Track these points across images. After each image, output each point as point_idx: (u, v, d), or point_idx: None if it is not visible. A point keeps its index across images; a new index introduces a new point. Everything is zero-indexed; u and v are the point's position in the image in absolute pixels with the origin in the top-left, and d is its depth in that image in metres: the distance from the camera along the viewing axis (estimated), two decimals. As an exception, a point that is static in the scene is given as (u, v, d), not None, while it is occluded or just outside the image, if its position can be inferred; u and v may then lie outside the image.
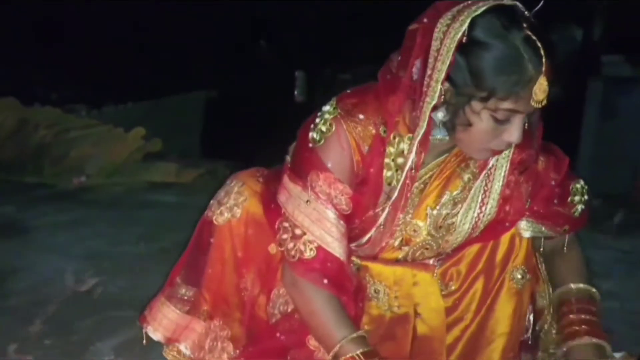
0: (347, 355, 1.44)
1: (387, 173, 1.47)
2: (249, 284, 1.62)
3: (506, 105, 1.32)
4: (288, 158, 1.58)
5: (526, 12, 1.33)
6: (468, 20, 1.29)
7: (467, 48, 1.30)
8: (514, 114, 1.35)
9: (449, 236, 1.56)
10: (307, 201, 1.46)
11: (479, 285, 1.61)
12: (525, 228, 1.59)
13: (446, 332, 1.62)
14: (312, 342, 1.56)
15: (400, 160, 1.46)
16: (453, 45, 1.30)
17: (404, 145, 1.45)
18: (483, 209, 1.54)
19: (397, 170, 1.47)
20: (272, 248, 1.59)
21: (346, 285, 1.51)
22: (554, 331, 1.64)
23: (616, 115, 5.38)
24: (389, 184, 1.48)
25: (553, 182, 1.57)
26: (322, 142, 1.46)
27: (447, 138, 1.46)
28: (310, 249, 1.47)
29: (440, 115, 1.40)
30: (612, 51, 5.57)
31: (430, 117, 1.37)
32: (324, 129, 1.46)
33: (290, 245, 1.48)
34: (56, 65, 6.23)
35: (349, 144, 1.45)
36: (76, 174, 4.36)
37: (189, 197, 3.86)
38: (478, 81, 1.31)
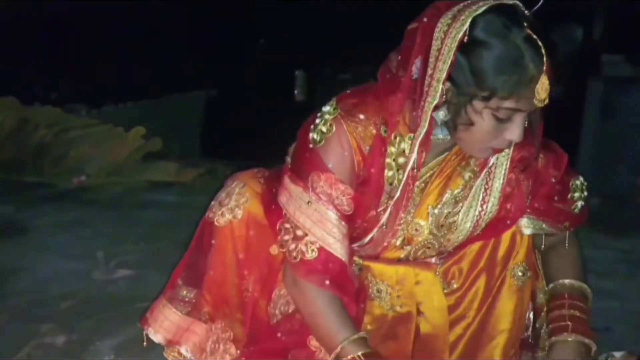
0: (349, 357, 1.44)
1: (388, 173, 1.47)
2: (251, 285, 1.62)
3: (507, 104, 1.32)
4: (288, 159, 1.58)
5: (526, 12, 1.33)
6: (469, 20, 1.29)
7: (468, 47, 1.30)
8: (516, 113, 1.35)
9: (451, 235, 1.56)
10: (308, 202, 1.46)
11: (481, 283, 1.61)
12: (526, 225, 1.59)
13: (449, 330, 1.62)
14: (313, 343, 1.56)
15: (401, 159, 1.46)
16: (454, 45, 1.30)
17: (405, 145, 1.45)
18: (484, 207, 1.54)
19: (398, 170, 1.46)
20: (274, 249, 1.59)
21: (348, 286, 1.51)
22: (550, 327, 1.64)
23: (616, 115, 5.37)
24: (391, 184, 1.48)
25: (553, 179, 1.58)
26: (323, 142, 1.46)
27: (449, 137, 1.46)
28: (312, 250, 1.47)
29: (441, 114, 1.40)
30: (612, 51, 5.57)
31: (431, 117, 1.36)
32: (324, 129, 1.46)
33: (292, 246, 1.48)
34: (56, 65, 6.23)
35: (350, 144, 1.45)
36: (76, 174, 4.36)
37: (189, 197, 3.86)
38: (479, 81, 1.31)
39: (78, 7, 6.06)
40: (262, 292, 1.62)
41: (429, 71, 1.33)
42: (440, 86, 1.32)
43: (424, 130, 1.37)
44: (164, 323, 1.70)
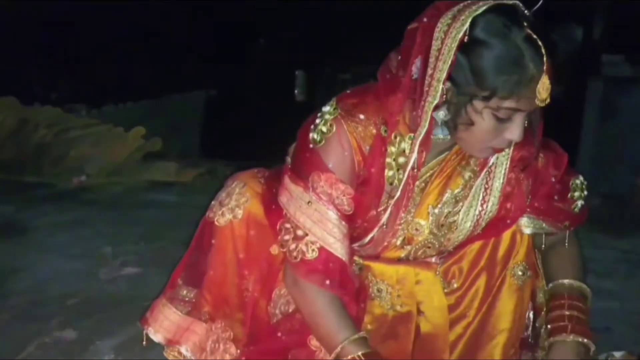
0: (349, 357, 1.44)
1: (388, 172, 1.47)
2: (251, 285, 1.62)
3: (508, 104, 1.32)
4: (288, 159, 1.58)
5: (526, 12, 1.33)
6: (469, 20, 1.29)
7: (468, 47, 1.30)
8: (516, 113, 1.35)
9: (451, 234, 1.56)
10: (309, 202, 1.46)
11: (481, 282, 1.61)
12: (526, 225, 1.60)
13: (449, 330, 1.62)
14: (313, 342, 1.56)
15: (401, 159, 1.46)
16: (454, 45, 1.30)
17: (405, 145, 1.45)
18: (484, 206, 1.54)
19: (398, 170, 1.47)
20: (274, 249, 1.59)
21: (348, 285, 1.51)
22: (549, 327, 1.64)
23: (616, 115, 5.38)
24: (391, 184, 1.48)
25: (553, 179, 1.58)
26: (323, 142, 1.46)
27: (449, 137, 1.46)
28: (313, 250, 1.47)
29: (441, 114, 1.40)
30: (612, 51, 5.57)
31: (431, 117, 1.37)
32: (324, 129, 1.46)
33: (292, 246, 1.48)
34: (56, 65, 6.23)
35: (350, 144, 1.45)
36: (76, 174, 4.36)
37: (188, 197, 3.86)
38: (480, 80, 1.31)
39: (78, 7, 6.06)
40: (262, 291, 1.62)
41: (429, 71, 1.33)
42: (441, 86, 1.32)
43: (424, 130, 1.37)
44: (164, 323, 1.71)
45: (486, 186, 1.54)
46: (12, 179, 4.34)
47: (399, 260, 1.61)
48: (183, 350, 1.69)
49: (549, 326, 1.57)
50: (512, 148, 1.52)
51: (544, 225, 1.60)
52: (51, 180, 4.34)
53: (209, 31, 7.02)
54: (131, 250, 2.99)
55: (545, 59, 1.30)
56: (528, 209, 1.58)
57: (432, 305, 1.62)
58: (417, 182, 1.49)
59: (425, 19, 1.36)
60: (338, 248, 1.47)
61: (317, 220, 1.46)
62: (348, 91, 1.52)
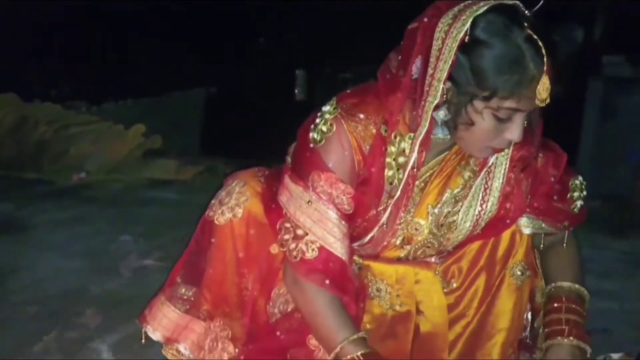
0: (348, 357, 1.44)
1: (388, 172, 1.47)
2: (250, 284, 1.62)
3: (508, 104, 1.33)
4: (288, 159, 1.58)
5: (527, 12, 1.33)
6: (470, 20, 1.30)
7: (469, 47, 1.30)
8: (516, 113, 1.35)
9: (451, 234, 1.56)
10: (309, 202, 1.46)
11: (480, 282, 1.61)
12: (525, 225, 1.60)
13: (448, 329, 1.63)
14: (312, 342, 1.56)
15: (401, 159, 1.46)
16: (455, 45, 1.30)
17: (405, 145, 1.45)
18: (484, 206, 1.54)
19: (398, 170, 1.47)
20: (274, 248, 1.59)
21: (348, 285, 1.51)
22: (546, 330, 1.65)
23: (616, 115, 5.38)
24: (391, 183, 1.48)
25: (552, 179, 1.58)
26: (323, 142, 1.46)
27: (449, 137, 1.46)
28: (312, 250, 1.47)
29: (441, 114, 1.40)
30: (612, 51, 5.58)
31: (431, 117, 1.37)
32: (324, 129, 1.46)
33: (292, 245, 1.48)
34: (56, 62, 6.23)
35: (350, 143, 1.45)
36: (76, 171, 4.36)
37: (188, 195, 3.87)
38: (480, 80, 1.31)
39: (78, 6, 6.06)
40: (262, 291, 1.62)
41: (430, 71, 1.33)
42: (441, 86, 1.32)
43: (425, 129, 1.37)
44: (162, 321, 1.71)
45: (486, 186, 1.54)
46: (11, 176, 4.34)
47: (398, 260, 1.61)
48: (181, 348, 1.69)
49: (546, 330, 1.58)
50: (511, 148, 1.52)
51: (543, 225, 1.60)
52: (51, 177, 4.33)
53: (209, 30, 7.01)
54: (130, 248, 2.99)
55: (545, 59, 1.30)
56: (527, 209, 1.58)
57: (431, 304, 1.62)
58: (417, 182, 1.49)
59: (425, 19, 1.36)
60: (338, 247, 1.47)
61: (317, 220, 1.46)
62: (348, 91, 1.52)
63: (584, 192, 1.62)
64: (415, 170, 1.44)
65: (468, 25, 1.29)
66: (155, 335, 1.72)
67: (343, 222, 1.48)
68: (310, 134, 1.47)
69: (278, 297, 1.62)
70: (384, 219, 1.50)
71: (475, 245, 1.61)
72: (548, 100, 1.33)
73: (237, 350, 1.65)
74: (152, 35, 6.58)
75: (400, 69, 1.40)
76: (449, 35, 1.31)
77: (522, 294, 1.63)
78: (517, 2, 1.34)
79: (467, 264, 1.62)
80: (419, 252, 1.60)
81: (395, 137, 1.45)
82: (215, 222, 1.60)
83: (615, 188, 4.26)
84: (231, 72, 7.13)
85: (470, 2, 1.33)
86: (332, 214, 1.46)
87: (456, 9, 1.33)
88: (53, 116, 4.78)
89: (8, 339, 2.15)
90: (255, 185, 1.62)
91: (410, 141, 1.44)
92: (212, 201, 1.64)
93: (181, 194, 4.00)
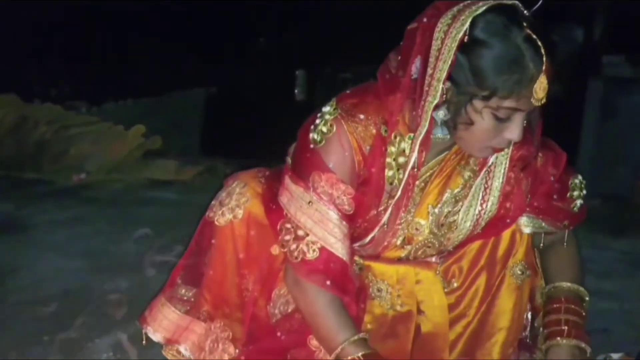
0: (349, 358, 1.45)
1: (388, 172, 1.47)
2: (250, 285, 1.62)
3: (507, 103, 1.33)
4: (289, 159, 1.58)
5: (526, 12, 1.34)
6: (469, 20, 1.30)
7: (468, 47, 1.30)
8: (515, 112, 1.35)
9: (451, 234, 1.56)
10: (309, 202, 1.46)
11: (481, 281, 1.62)
12: (525, 224, 1.60)
13: (449, 329, 1.63)
14: (312, 342, 1.57)
15: (401, 159, 1.46)
16: (454, 45, 1.30)
17: (405, 145, 1.46)
18: (484, 206, 1.55)
19: (398, 170, 1.47)
20: (275, 249, 1.59)
21: (348, 286, 1.51)
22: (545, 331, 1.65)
23: (616, 115, 5.37)
24: (391, 184, 1.48)
25: (552, 178, 1.59)
26: (323, 142, 1.46)
27: (448, 137, 1.46)
28: (313, 250, 1.47)
29: (441, 114, 1.41)
30: (612, 51, 5.57)
31: (431, 116, 1.37)
32: (324, 129, 1.46)
33: (293, 246, 1.49)
34: (56, 62, 6.22)
35: (350, 144, 1.45)
36: (76, 171, 4.36)
37: (188, 195, 3.86)
38: (480, 80, 1.31)
39: (78, 6, 6.06)
40: (262, 291, 1.62)
41: (429, 71, 1.34)
42: (441, 86, 1.32)
43: (424, 129, 1.38)
44: (163, 322, 1.71)
45: (486, 186, 1.54)
46: (11, 176, 4.34)
47: (399, 260, 1.61)
48: (182, 349, 1.70)
49: (545, 331, 1.58)
50: (511, 147, 1.52)
51: (543, 224, 1.60)
52: (51, 177, 4.33)
53: (209, 30, 7.01)
54: (130, 248, 2.99)
55: (544, 58, 1.30)
56: (527, 208, 1.58)
57: (432, 304, 1.62)
58: (417, 182, 1.49)
59: (425, 19, 1.37)
60: (339, 248, 1.47)
61: (318, 221, 1.46)
62: (348, 91, 1.52)
63: (584, 191, 1.62)
64: (415, 170, 1.44)
65: (467, 25, 1.30)
66: (156, 337, 1.72)
67: (344, 223, 1.48)
68: (311, 135, 1.47)
69: (278, 298, 1.62)
70: (384, 219, 1.51)
71: (476, 244, 1.61)
72: (544, 100, 1.34)
73: (237, 351, 1.65)
74: (152, 35, 6.57)
75: (400, 69, 1.40)
76: (448, 35, 1.31)
77: (522, 293, 1.63)
78: (516, 2, 1.34)
79: (468, 263, 1.62)
80: (419, 252, 1.60)
81: (395, 137, 1.45)
82: (216, 223, 1.61)
83: (615, 188, 4.26)
84: (231, 72, 7.12)
85: (469, 2, 1.33)
86: (333, 215, 1.46)
87: (455, 9, 1.33)
88: (53, 116, 4.78)
89: (8, 339, 2.14)
90: (256, 186, 1.62)
91: (410, 141, 1.44)
92: (213, 202, 1.65)
93: (181, 194, 4.00)
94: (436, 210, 1.54)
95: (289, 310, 1.61)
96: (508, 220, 1.59)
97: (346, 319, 1.49)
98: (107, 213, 3.59)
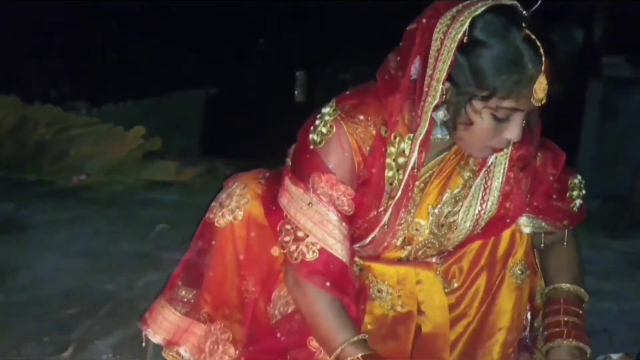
0: (348, 359, 1.45)
1: (388, 173, 1.47)
2: (250, 286, 1.62)
3: (507, 104, 1.33)
4: (289, 160, 1.58)
5: (525, 12, 1.34)
6: (468, 20, 1.30)
7: (467, 48, 1.30)
8: (514, 112, 1.35)
9: (451, 234, 1.56)
10: (309, 203, 1.46)
11: (481, 281, 1.61)
12: (525, 224, 1.60)
13: (450, 329, 1.63)
14: (312, 343, 1.56)
15: (401, 160, 1.46)
16: (454, 45, 1.30)
17: (405, 145, 1.46)
18: (484, 206, 1.55)
19: (398, 170, 1.47)
20: (274, 250, 1.59)
21: (348, 287, 1.51)
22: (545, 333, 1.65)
23: (616, 115, 5.38)
24: (391, 184, 1.48)
25: (551, 178, 1.59)
26: (323, 143, 1.46)
27: (448, 137, 1.46)
28: (313, 251, 1.47)
29: (440, 114, 1.41)
30: (612, 52, 5.58)
31: (431, 117, 1.37)
32: (324, 130, 1.46)
33: (293, 247, 1.49)
34: (56, 63, 6.23)
35: (350, 145, 1.45)
36: (76, 172, 4.36)
37: (188, 196, 3.86)
38: (479, 81, 1.31)
39: (78, 6, 6.06)
40: (262, 293, 1.62)
41: (429, 71, 1.34)
42: (440, 86, 1.32)
43: (424, 130, 1.38)
44: (163, 324, 1.70)
45: (485, 186, 1.54)
46: (12, 176, 4.34)
47: (399, 261, 1.61)
48: (182, 351, 1.69)
49: (545, 332, 1.58)
50: (510, 147, 1.52)
51: (543, 224, 1.60)
52: (51, 178, 4.34)
53: (209, 30, 7.02)
54: (130, 249, 2.99)
55: (544, 59, 1.30)
56: (527, 208, 1.58)
57: (432, 305, 1.62)
58: (417, 183, 1.49)
59: (424, 20, 1.37)
60: (339, 249, 1.47)
61: (318, 222, 1.46)
62: (347, 92, 1.52)
63: (583, 191, 1.62)
64: (415, 170, 1.44)
65: (466, 25, 1.29)
66: (156, 339, 1.72)
67: (343, 224, 1.48)
68: (310, 136, 1.47)
69: (278, 299, 1.62)
70: (384, 219, 1.50)
71: (476, 244, 1.61)
72: (544, 100, 1.34)
73: (237, 352, 1.64)
74: (152, 36, 6.58)
75: (399, 69, 1.40)
76: (447, 36, 1.31)
77: (522, 293, 1.63)
78: (515, 2, 1.34)
79: (468, 263, 1.62)
80: (419, 253, 1.60)
81: (395, 138, 1.45)
82: (216, 224, 1.60)
83: (615, 188, 4.27)
84: (231, 73, 7.13)
85: (468, 2, 1.33)
86: (333, 216, 1.46)
87: (454, 9, 1.33)
88: (53, 117, 4.79)
89: (8, 339, 2.14)
90: (256, 187, 1.62)
91: (409, 142, 1.44)
92: (213, 203, 1.64)
93: (181, 195, 4.00)
94: (436, 210, 1.54)
95: (289, 311, 1.61)
96: (508, 220, 1.59)
97: (346, 320, 1.49)
98: (106, 214, 3.59)
